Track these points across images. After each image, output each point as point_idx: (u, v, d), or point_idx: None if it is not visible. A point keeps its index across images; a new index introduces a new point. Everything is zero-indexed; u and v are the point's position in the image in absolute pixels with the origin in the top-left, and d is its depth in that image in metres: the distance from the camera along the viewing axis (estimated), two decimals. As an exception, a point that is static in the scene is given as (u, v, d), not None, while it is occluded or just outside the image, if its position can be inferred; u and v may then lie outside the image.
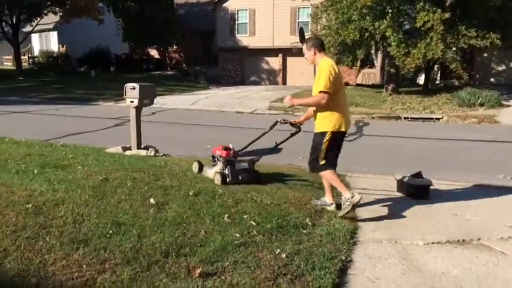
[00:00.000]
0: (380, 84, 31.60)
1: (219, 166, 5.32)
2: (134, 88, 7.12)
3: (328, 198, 4.57)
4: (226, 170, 5.22)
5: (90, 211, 3.80)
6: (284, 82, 29.15)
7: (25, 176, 4.83)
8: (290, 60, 28.75)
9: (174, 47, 32.19)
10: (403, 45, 16.27)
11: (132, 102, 7.19)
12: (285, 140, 5.15)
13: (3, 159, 5.81)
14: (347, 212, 4.15)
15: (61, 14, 26.22)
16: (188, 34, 30.80)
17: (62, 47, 37.54)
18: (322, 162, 4.39)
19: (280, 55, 28.77)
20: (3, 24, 26.46)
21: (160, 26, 27.82)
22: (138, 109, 7.30)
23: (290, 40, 27.47)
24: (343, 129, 4.35)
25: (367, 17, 17.20)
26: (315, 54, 4.43)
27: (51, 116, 13.49)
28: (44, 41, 39.12)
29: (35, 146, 7.23)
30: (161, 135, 9.97)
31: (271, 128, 5.10)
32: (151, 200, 4.22)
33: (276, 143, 5.26)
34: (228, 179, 5.14)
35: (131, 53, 34.07)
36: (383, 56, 27.88)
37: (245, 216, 3.95)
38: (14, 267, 2.73)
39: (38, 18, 26.95)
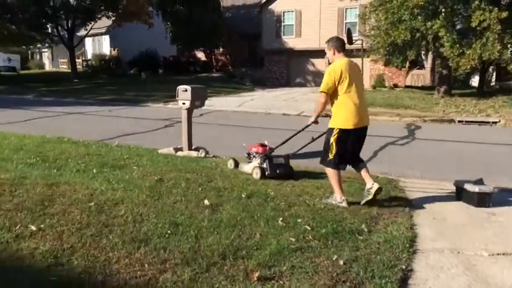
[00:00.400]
0: (430, 86, 30.63)
1: (257, 161, 5.65)
2: (186, 90, 7.26)
3: (338, 195, 4.59)
4: (265, 164, 5.53)
5: (149, 211, 3.90)
6: (330, 84, 28.80)
7: (85, 175, 5.03)
8: (337, 61, 28.36)
9: (221, 50, 32.61)
10: (457, 45, 15.68)
11: (184, 104, 7.33)
12: (321, 135, 5.21)
13: (64, 158, 6.06)
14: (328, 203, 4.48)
15: (114, 18, 27.10)
16: (234, 36, 31.13)
17: (114, 50, 38.92)
18: (329, 158, 4.61)
19: (327, 57, 28.40)
20: (59, 28, 27.66)
21: (208, 29, 28.27)
22: (190, 111, 7.43)
23: (337, 41, 27.12)
24: (350, 126, 4.49)
25: (419, 17, 16.71)
26: (334, 54, 4.68)
27: (105, 117, 13.97)
28: (97, 44, 40.72)
29: (92, 146, 7.51)
30: (210, 136, 10.09)
31: (305, 128, 5.36)
32: (206, 202, 4.27)
33: (312, 137, 5.44)
34: (266, 173, 5.45)
35: (179, 56, 34.81)
36: (433, 57, 27.06)
37: (299, 220, 3.92)
38: (80, 263, 2.84)
39: (92, 23, 28.00)
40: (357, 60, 22.34)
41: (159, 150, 7.51)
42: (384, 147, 9.07)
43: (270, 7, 29.14)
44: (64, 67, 43.28)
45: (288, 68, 30.01)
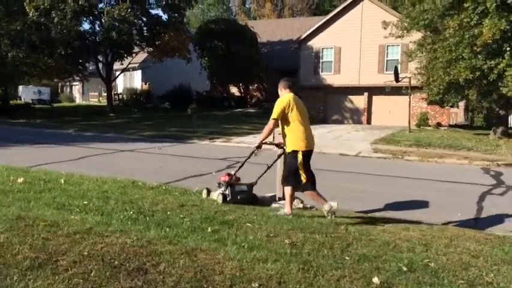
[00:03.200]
0: (465, 124, 29.73)
1: (222, 188, 6.28)
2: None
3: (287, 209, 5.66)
4: (227, 190, 6.18)
5: (323, 295, 3.08)
6: (369, 121, 28.09)
7: (205, 236, 4.23)
8: (376, 99, 27.76)
9: (255, 85, 32.28)
10: (524, 85, 14.88)
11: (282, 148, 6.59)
12: (275, 161, 6.50)
13: (160, 210, 5.32)
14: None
15: (156, 53, 27.07)
16: (269, 72, 30.80)
17: (145, 84, 39.07)
18: (303, 182, 5.51)
19: (366, 94, 27.86)
20: (98, 63, 27.72)
21: (245, 64, 28.00)
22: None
23: (377, 78, 26.59)
24: (308, 147, 5.50)
25: (479, 56, 16.02)
26: (281, 90, 5.87)
27: (157, 155, 13.36)
28: (128, 78, 40.93)
29: (175, 193, 6.77)
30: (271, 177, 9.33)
31: (250, 155, 6.18)
32: (375, 279, 3.43)
33: (267, 165, 6.51)
34: (228, 198, 6.12)
35: (212, 91, 34.60)
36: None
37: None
38: None
39: (131, 57, 28.03)
40: (404, 98, 21.73)
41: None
42: (484, 198, 8.17)
43: (308, 43, 28.86)
44: (94, 100, 43.55)
45: (325, 104, 29.40)
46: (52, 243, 3.38)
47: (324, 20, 28.46)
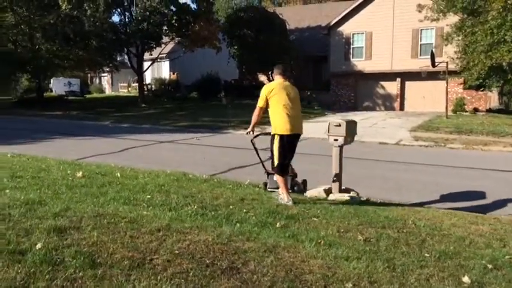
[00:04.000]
0: (500, 108, 28.85)
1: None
2: (340, 125, 6.48)
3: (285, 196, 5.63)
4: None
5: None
6: (402, 108, 27.59)
7: (279, 232, 4.22)
8: (409, 84, 27.19)
9: (284, 73, 32.01)
10: None
11: (336, 140, 6.52)
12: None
13: (223, 205, 5.32)
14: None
15: (187, 43, 27.15)
16: (299, 59, 30.46)
17: (173, 74, 39.27)
18: (275, 164, 5.75)
19: (399, 79, 27.32)
20: (130, 54, 27.97)
21: (275, 52, 27.75)
22: (342, 148, 6.62)
23: (411, 63, 26.03)
24: (284, 132, 5.58)
25: (522, 38, 15.47)
26: (274, 77, 6.04)
27: (197, 146, 13.44)
28: (156, 68, 41.19)
29: (228, 185, 6.79)
30: (325, 170, 9.25)
31: (254, 147, 6.92)
32: (466, 279, 3.35)
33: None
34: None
35: (241, 79, 34.49)
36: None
37: None
38: None
39: (159, 48, 28.19)
40: (438, 83, 21.35)
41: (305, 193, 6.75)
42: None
43: (338, 29, 28.41)
44: (124, 91, 44.05)
45: (356, 91, 29.02)
46: (140, 241, 3.42)
47: (355, 4, 27.89)
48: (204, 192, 6.03)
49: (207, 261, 3.17)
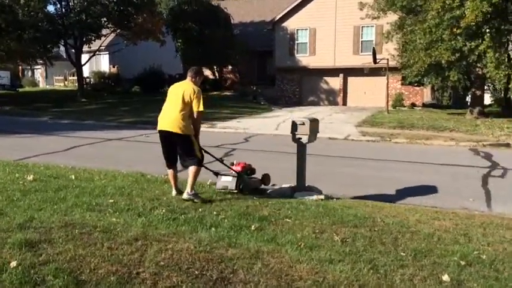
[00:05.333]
0: (433, 103, 30.51)
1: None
2: (303, 124, 6.52)
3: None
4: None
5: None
6: (344, 103, 28.42)
7: (256, 235, 4.15)
8: (352, 80, 28.05)
9: (229, 67, 31.89)
10: (503, 66, 15.32)
11: (299, 139, 6.56)
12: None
13: (190, 207, 5.17)
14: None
15: (129, 36, 26.21)
16: (243, 54, 30.45)
17: (113, 67, 37.87)
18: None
19: (341, 75, 28.09)
20: (67, 46, 26.61)
21: (220, 46, 27.56)
22: (305, 146, 6.66)
23: (353, 60, 26.82)
24: (158, 128, 5.71)
25: (459, 37, 16.37)
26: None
27: (146, 143, 13.01)
28: (94, 61, 39.51)
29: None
30: (282, 167, 9.30)
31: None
32: (445, 277, 3.47)
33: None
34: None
35: (185, 73, 33.82)
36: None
37: None
38: None
39: (99, 40, 27.04)
40: (378, 79, 22.32)
41: (268, 190, 6.71)
42: (487, 181, 8.41)
43: (283, 25, 28.67)
44: (60, 84, 41.86)
45: (301, 86, 29.49)
46: (120, 253, 3.22)
47: (298, 0, 28.25)
48: (168, 194, 5.84)
49: (196, 272, 3.05)
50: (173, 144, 5.67)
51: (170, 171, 5.83)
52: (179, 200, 5.47)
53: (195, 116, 5.58)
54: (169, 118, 5.54)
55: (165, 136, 5.64)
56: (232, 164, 6.45)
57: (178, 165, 5.93)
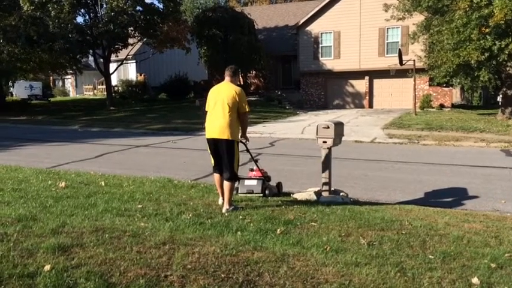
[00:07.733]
0: (462, 104, 29.79)
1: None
2: (328, 127, 6.49)
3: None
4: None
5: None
6: (370, 105, 28.10)
7: (281, 239, 4.17)
8: (377, 82, 27.72)
9: (253, 72, 32.01)
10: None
11: (324, 142, 6.54)
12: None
13: (217, 211, 5.23)
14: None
15: (155, 44, 26.71)
16: (268, 59, 30.53)
17: (140, 75, 38.57)
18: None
19: (367, 77, 27.80)
20: (96, 56, 27.29)
21: (244, 52, 27.72)
22: (330, 150, 6.64)
23: (378, 62, 26.52)
24: (206, 136, 5.59)
25: (488, 36, 16.00)
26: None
27: (173, 149, 13.25)
28: (122, 70, 40.38)
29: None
30: (309, 171, 9.31)
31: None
32: (475, 280, 3.40)
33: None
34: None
35: (210, 80, 34.24)
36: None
37: None
38: None
39: (126, 49, 27.61)
40: (405, 80, 22.02)
41: (293, 194, 6.73)
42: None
43: (306, 29, 28.61)
44: (89, 93, 42.93)
45: (326, 90, 29.34)
46: (149, 257, 3.30)
47: (322, 4, 28.15)
48: (195, 199, 5.93)
49: (222, 275, 3.09)
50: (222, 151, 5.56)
51: (217, 176, 5.63)
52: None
53: (242, 117, 5.51)
54: (217, 125, 5.39)
55: (214, 144, 5.51)
56: (252, 170, 6.58)
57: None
